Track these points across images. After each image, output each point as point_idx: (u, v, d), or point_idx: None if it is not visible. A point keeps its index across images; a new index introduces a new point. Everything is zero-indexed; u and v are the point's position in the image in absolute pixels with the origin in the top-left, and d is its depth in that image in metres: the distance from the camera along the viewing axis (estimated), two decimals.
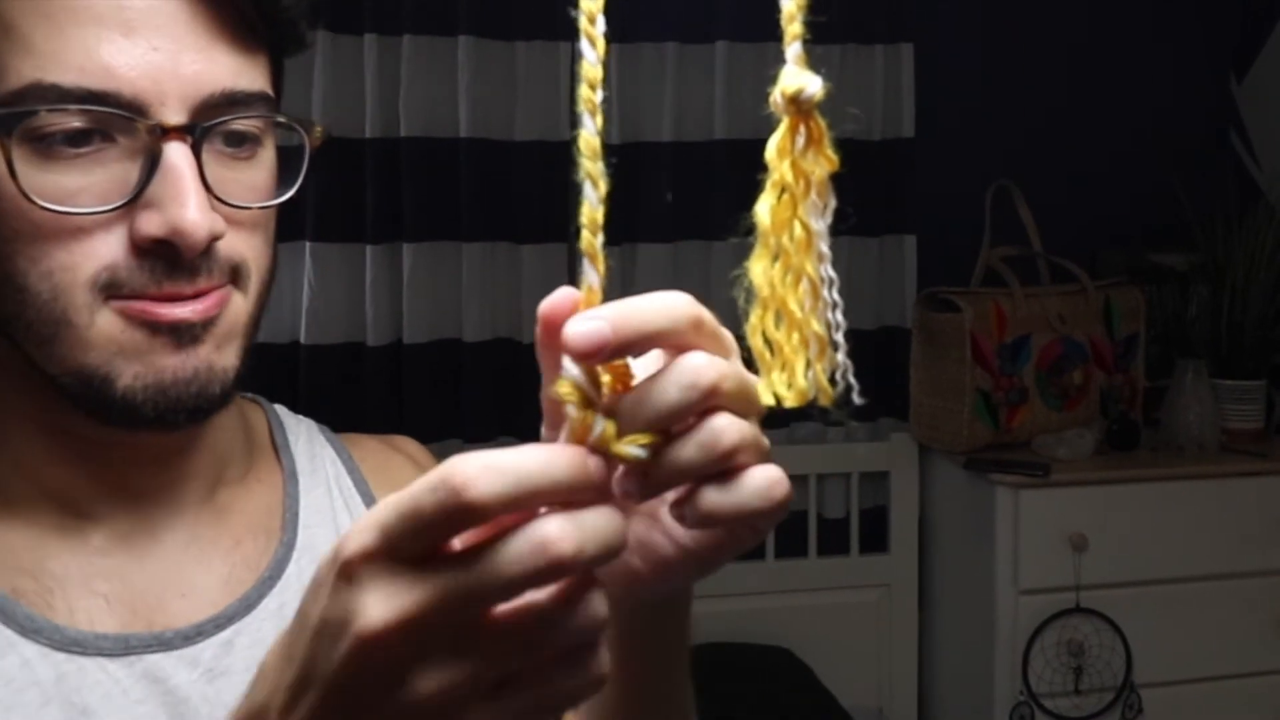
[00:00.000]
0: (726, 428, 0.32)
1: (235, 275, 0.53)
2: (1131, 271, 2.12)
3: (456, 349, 1.97)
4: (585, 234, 0.33)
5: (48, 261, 0.49)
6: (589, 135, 0.33)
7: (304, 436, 0.68)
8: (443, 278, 1.96)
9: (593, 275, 0.33)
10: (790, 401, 0.32)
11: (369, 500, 0.67)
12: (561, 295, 0.35)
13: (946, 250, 2.12)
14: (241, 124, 0.52)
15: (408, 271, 1.93)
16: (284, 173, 0.56)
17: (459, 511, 0.31)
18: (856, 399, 0.31)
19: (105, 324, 0.50)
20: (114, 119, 0.48)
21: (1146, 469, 1.87)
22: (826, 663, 1.98)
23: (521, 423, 2.00)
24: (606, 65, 0.33)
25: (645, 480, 0.33)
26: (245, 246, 0.53)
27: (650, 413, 0.32)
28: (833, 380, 0.32)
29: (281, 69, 0.58)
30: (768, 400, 0.32)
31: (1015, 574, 1.81)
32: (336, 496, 0.66)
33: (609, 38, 0.32)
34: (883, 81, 2.06)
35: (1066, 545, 1.79)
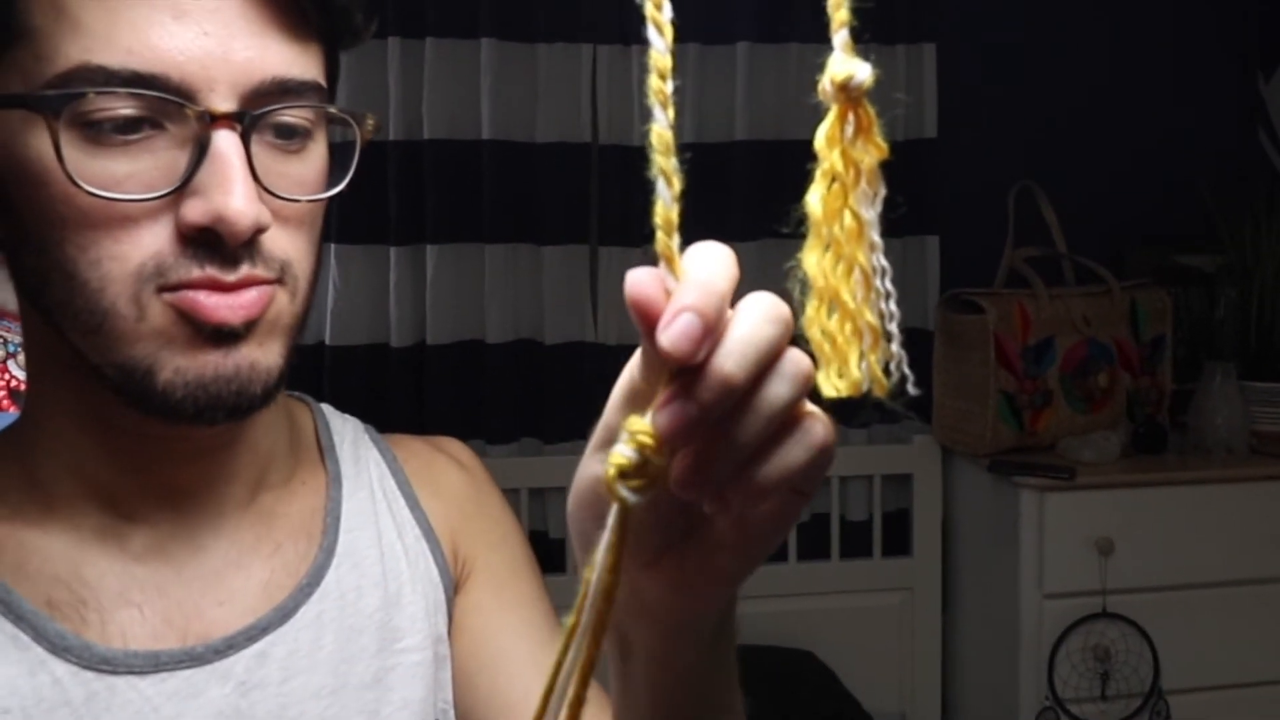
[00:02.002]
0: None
1: (282, 273, 0.52)
2: (1158, 273, 2.10)
3: (479, 350, 1.98)
4: (660, 236, 0.31)
5: (96, 250, 0.48)
6: (661, 129, 0.31)
7: (349, 438, 0.67)
8: (465, 279, 1.96)
9: (671, 281, 0.31)
10: (844, 392, 0.31)
11: (412, 503, 0.66)
12: (646, 279, 0.31)
13: (970, 251, 2.10)
14: (292, 116, 0.51)
15: (431, 273, 1.94)
16: (334, 169, 0.55)
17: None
18: (911, 390, 0.31)
19: (153, 316, 0.49)
20: (162, 104, 0.47)
21: (1174, 472, 1.85)
22: (849, 666, 1.96)
23: (542, 424, 2.00)
24: (675, 54, 0.31)
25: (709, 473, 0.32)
26: (290, 244, 0.52)
27: (770, 413, 0.32)
28: (887, 371, 0.31)
29: (336, 62, 0.56)
30: (828, 393, 0.31)
31: (1040, 578, 1.80)
32: (380, 500, 0.65)
33: (675, 29, 0.31)
34: (905, 82, 2.05)
35: (1092, 549, 1.78)
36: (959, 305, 1.95)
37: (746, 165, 1.98)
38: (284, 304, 0.53)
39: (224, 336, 0.50)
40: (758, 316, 0.31)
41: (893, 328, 0.31)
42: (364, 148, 0.55)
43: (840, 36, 0.32)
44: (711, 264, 0.32)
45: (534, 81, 1.96)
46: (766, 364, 0.31)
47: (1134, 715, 1.80)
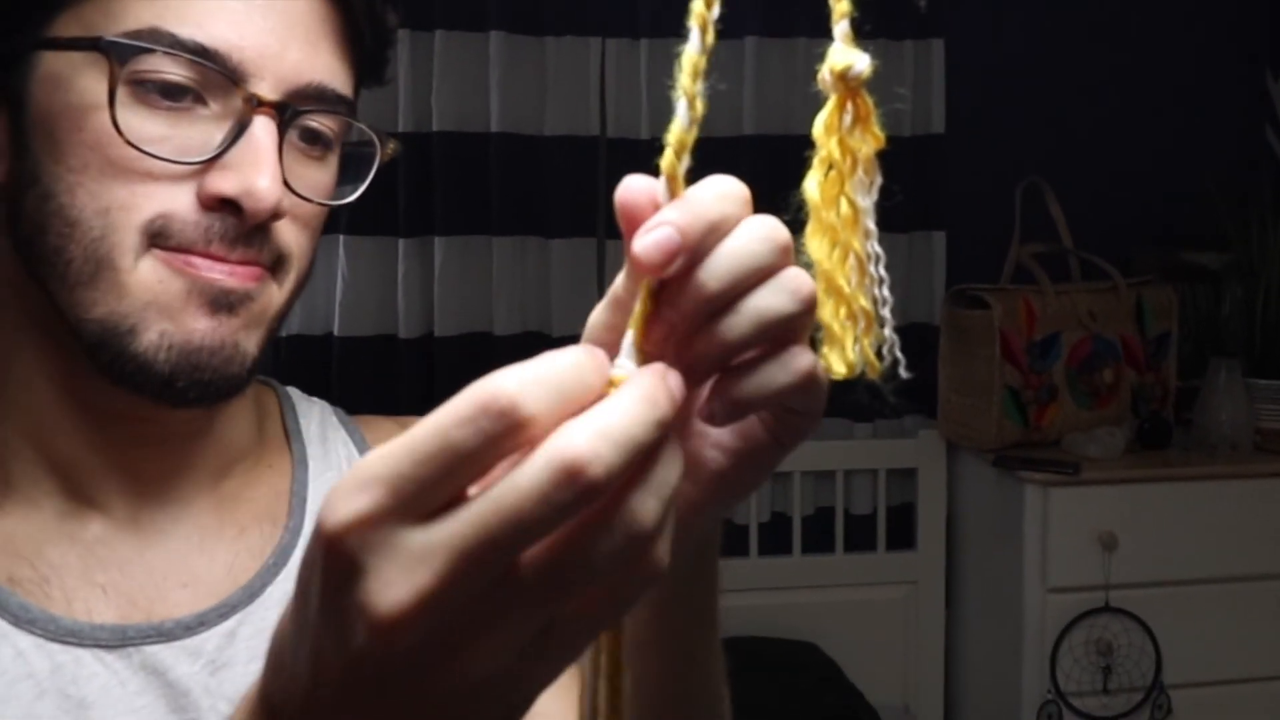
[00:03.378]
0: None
1: (277, 264, 0.54)
2: (1164, 269, 2.10)
3: (487, 342, 1.99)
4: (669, 154, 0.31)
5: (108, 197, 0.49)
6: (694, 54, 0.31)
7: (316, 419, 0.67)
8: (473, 271, 1.98)
9: (664, 197, 0.31)
10: (841, 373, 0.32)
11: None
12: (638, 187, 0.31)
13: (976, 247, 2.11)
14: (322, 122, 0.54)
15: (439, 265, 1.95)
16: (343, 175, 0.58)
17: (508, 434, 0.27)
18: (903, 373, 0.32)
19: (146, 271, 0.50)
20: (216, 78, 0.50)
21: (1178, 468, 1.86)
22: (853, 659, 1.97)
23: None
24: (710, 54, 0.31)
25: (732, 394, 0.32)
26: (294, 240, 0.54)
27: (759, 318, 0.31)
28: (879, 355, 0.32)
29: (358, 94, 0.59)
30: (836, 372, 0.33)
31: (1044, 572, 1.80)
32: None
33: (682, 25, 0.31)
34: (913, 77, 2.06)
35: (1096, 544, 1.78)
36: (965, 300, 1.96)
37: (754, 159, 1.99)
38: (273, 295, 0.54)
39: (218, 304, 0.51)
40: (749, 233, 0.31)
41: (886, 313, 0.32)
42: (381, 163, 0.59)
43: (841, 27, 0.32)
44: (710, 190, 0.32)
45: (543, 75, 1.97)
46: (752, 277, 0.31)
47: (1136, 709, 1.81)
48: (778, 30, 2.01)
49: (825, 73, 0.32)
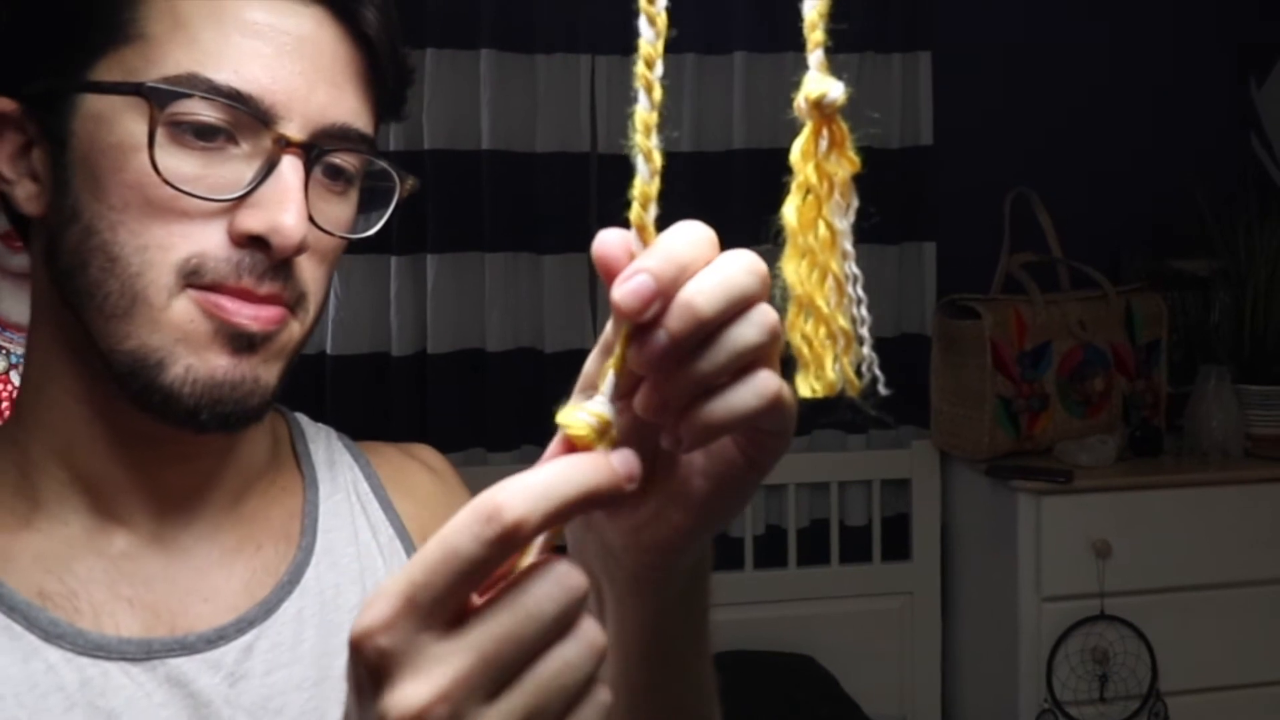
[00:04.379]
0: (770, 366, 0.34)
1: (298, 302, 0.56)
2: (1153, 277, 2.11)
3: (480, 359, 1.99)
4: (635, 208, 0.34)
5: (147, 236, 0.52)
6: (643, 112, 0.33)
7: (323, 444, 0.70)
8: (466, 288, 1.98)
9: (638, 247, 0.34)
10: (820, 392, 0.33)
11: (386, 507, 0.69)
12: (612, 240, 0.35)
13: (966, 257, 2.12)
14: (346, 160, 0.57)
15: (432, 282, 1.96)
16: (362, 208, 0.61)
17: (502, 539, 0.31)
18: (882, 390, 0.33)
19: (180, 310, 0.52)
20: (247, 120, 0.53)
21: (1170, 475, 1.87)
22: (850, 670, 1.98)
23: (544, 432, 2.01)
24: (666, 50, 0.34)
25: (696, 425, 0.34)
26: (313, 276, 0.57)
27: (734, 350, 0.33)
28: (859, 373, 0.33)
29: (378, 130, 0.62)
30: (805, 393, 0.33)
31: (1038, 581, 1.81)
32: (355, 503, 0.67)
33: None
34: (901, 90, 2.08)
35: (1090, 552, 1.79)
36: (956, 311, 1.97)
37: (745, 173, 2.01)
38: (294, 331, 0.57)
39: (240, 344, 0.54)
40: (734, 265, 0.34)
41: (864, 332, 0.33)
42: (400, 200, 0.62)
43: (815, 56, 0.33)
44: (681, 237, 0.34)
45: (533, 92, 1.99)
46: (736, 307, 0.33)
47: (1132, 717, 1.81)
48: (767, 45, 2.02)
49: (801, 100, 0.33)
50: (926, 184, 2.10)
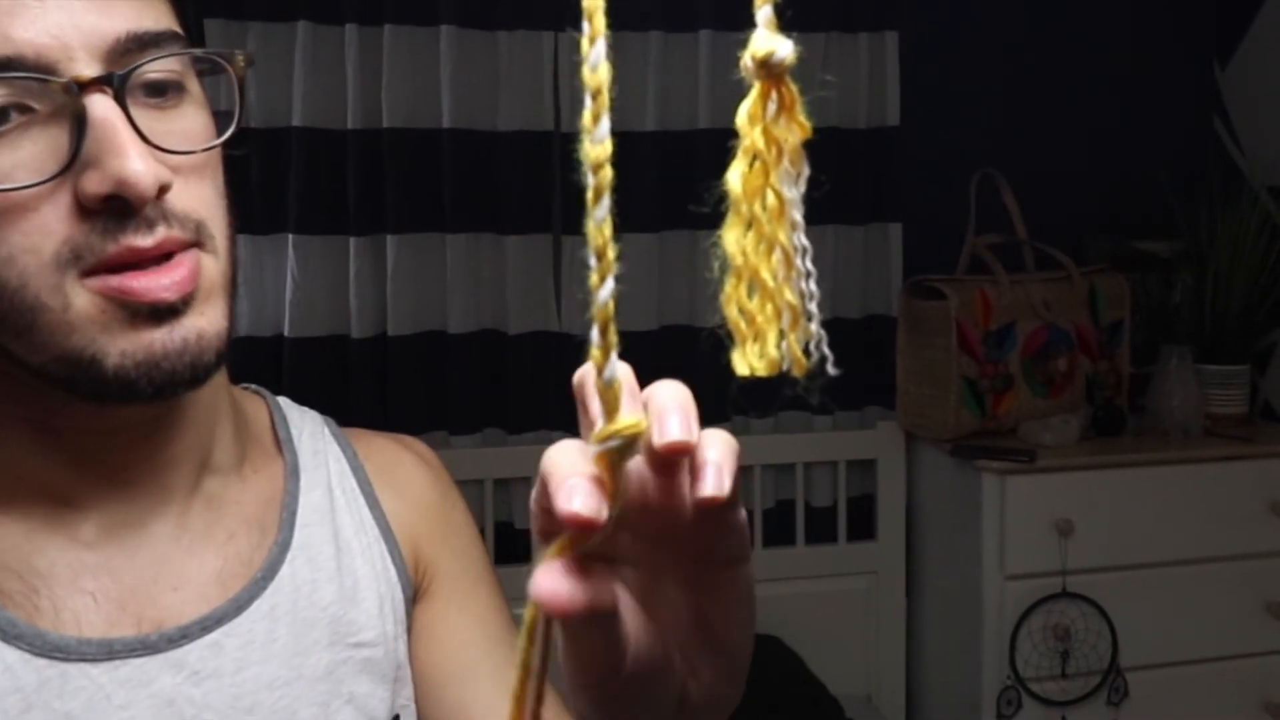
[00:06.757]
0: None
1: (198, 233, 0.51)
2: (1116, 259, 2.12)
3: (442, 341, 1.96)
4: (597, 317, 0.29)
5: (6, 247, 0.47)
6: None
7: (308, 430, 0.67)
8: (427, 269, 1.95)
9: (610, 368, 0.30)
10: (762, 371, 0.31)
11: (371, 502, 0.66)
12: (582, 379, 0.32)
13: (932, 238, 2.12)
14: (158, 70, 0.50)
15: (392, 263, 1.92)
16: (222, 117, 0.54)
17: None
18: (831, 369, 0.31)
19: (82, 305, 0.48)
20: (25, 86, 0.46)
21: (1132, 454, 1.88)
22: (816, 650, 1.98)
23: (506, 414, 2.00)
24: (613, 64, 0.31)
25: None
26: (198, 200, 0.52)
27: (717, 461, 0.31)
28: (807, 351, 0.31)
29: (186, 8, 0.55)
30: (742, 371, 0.31)
31: (1002, 560, 1.82)
32: (338, 496, 0.65)
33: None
34: (868, 70, 2.06)
35: (1053, 531, 1.80)
36: (921, 291, 1.97)
37: (710, 152, 1.98)
38: (211, 267, 0.52)
39: (163, 314, 0.49)
40: (721, 443, 0.32)
41: (813, 307, 0.31)
42: (242, 82, 0.54)
43: (764, 13, 0.31)
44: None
45: (495, 69, 1.95)
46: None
47: (1093, 692, 1.83)
48: (734, 23, 2.00)
49: (747, 59, 0.31)
50: (893, 164, 2.09)
